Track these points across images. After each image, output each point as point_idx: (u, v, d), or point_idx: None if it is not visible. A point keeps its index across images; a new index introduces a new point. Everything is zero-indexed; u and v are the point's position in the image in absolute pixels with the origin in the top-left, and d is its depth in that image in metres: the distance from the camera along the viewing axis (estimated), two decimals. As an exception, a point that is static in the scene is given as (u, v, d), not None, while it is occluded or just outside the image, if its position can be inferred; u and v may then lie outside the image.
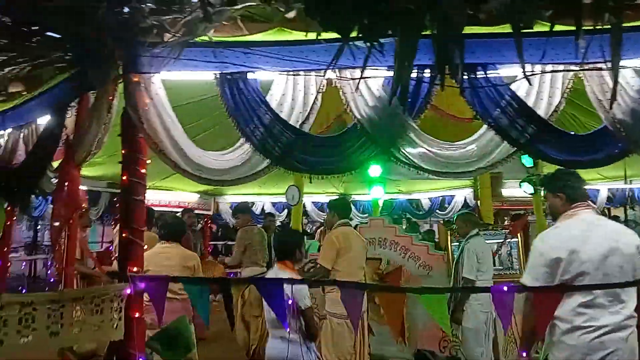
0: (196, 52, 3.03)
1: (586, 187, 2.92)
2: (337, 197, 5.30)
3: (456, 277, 5.12)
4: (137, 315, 3.01)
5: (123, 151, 3.13)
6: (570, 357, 2.65)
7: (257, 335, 5.86)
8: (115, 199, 7.85)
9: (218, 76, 3.11)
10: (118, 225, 3.54)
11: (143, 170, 3.11)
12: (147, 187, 2.96)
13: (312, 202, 12.88)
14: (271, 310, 3.30)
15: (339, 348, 4.36)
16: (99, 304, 2.85)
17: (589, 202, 2.90)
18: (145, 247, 5.00)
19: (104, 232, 15.18)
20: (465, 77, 2.91)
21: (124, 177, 3.08)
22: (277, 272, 3.58)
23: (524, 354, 2.82)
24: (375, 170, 7.70)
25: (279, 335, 3.45)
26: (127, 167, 3.11)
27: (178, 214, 8.19)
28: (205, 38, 2.93)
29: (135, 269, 3.04)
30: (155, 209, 8.86)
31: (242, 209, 6.93)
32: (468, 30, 2.74)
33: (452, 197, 12.35)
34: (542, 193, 3.10)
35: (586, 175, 3.22)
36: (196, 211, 10.46)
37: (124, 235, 3.07)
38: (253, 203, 12.15)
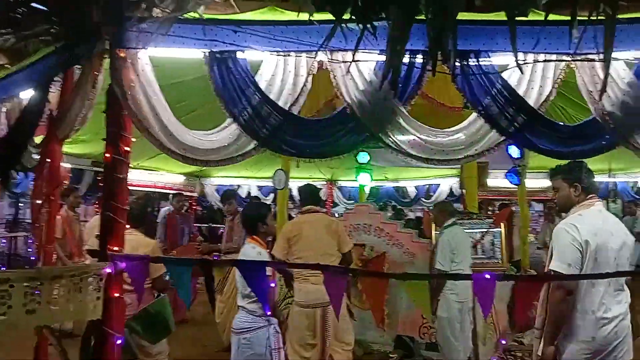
0: (185, 29, 2.96)
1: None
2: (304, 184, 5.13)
3: (431, 269, 5.15)
4: (116, 295, 2.98)
5: (107, 128, 3.07)
6: (589, 348, 2.72)
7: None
8: (99, 178, 7.74)
9: (207, 54, 3.04)
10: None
11: (127, 148, 3.05)
12: (132, 167, 2.91)
13: (299, 187, 12.83)
14: (245, 285, 3.33)
15: (297, 335, 4.37)
16: (77, 283, 2.81)
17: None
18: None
19: (86, 211, 14.98)
20: (457, 64, 2.88)
21: (107, 155, 3.03)
22: (246, 247, 3.58)
23: (503, 342, 2.84)
24: (362, 157, 7.69)
25: (242, 305, 3.50)
26: (111, 144, 3.05)
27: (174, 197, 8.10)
28: (196, 15, 2.87)
29: (116, 248, 3.00)
30: (140, 189, 8.78)
31: (232, 195, 6.92)
32: (462, 16, 2.71)
33: (438, 185, 12.42)
34: (550, 182, 3.08)
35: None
36: (182, 192, 10.38)
37: (105, 213, 3.02)
38: (239, 186, 12.09)
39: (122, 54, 3.01)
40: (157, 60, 3.17)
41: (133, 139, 3.13)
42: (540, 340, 2.90)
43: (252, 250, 3.48)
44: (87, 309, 2.88)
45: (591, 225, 2.78)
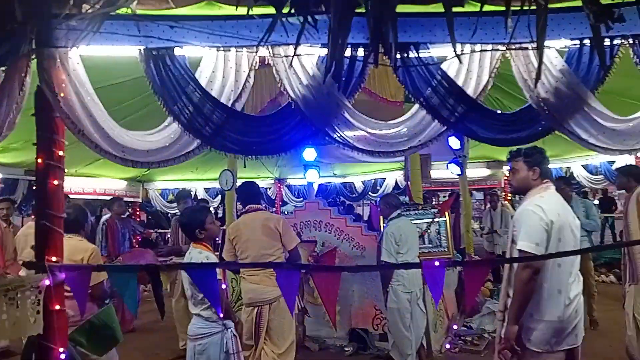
0: (118, 26, 2.84)
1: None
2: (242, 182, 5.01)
3: (378, 261, 5.23)
4: (57, 307, 2.82)
5: (38, 132, 2.89)
6: (555, 328, 2.78)
7: None
8: (35, 187, 7.36)
9: (142, 51, 2.93)
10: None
11: (60, 153, 2.89)
12: (70, 174, 2.73)
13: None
14: (194, 290, 3.28)
15: (245, 334, 4.34)
16: (13, 298, 2.64)
17: None
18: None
19: (22, 222, 14.25)
20: (398, 56, 2.91)
21: (39, 160, 2.85)
22: (192, 252, 3.46)
23: (455, 327, 2.89)
24: (309, 154, 7.68)
25: (196, 312, 3.41)
26: (42, 149, 2.87)
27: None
28: (129, 10, 2.75)
29: (54, 259, 2.83)
30: (80, 197, 8.41)
31: (180, 196, 6.71)
32: (401, 8, 2.74)
33: (384, 179, 12.66)
34: (510, 163, 3.09)
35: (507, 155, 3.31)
36: (124, 199, 10.02)
37: (40, 222, 2.85)
38: (184, 189, 11.82)
39: (50, 54, 2.85)
40: (96, 60, 3.02)
41: (66, 143, 2.97)
42: (503, 323, 2.91)
43: (199, 255, 3.38)
44: (26, 324, 2.72)
45: (554, 206, 2.89)
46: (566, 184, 6.28)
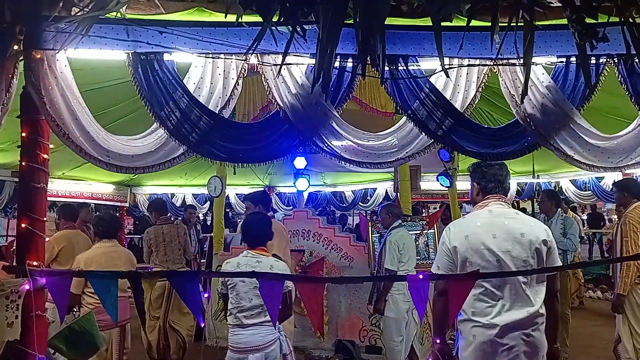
0: (107, 29, 2.83)
1: (507, 181, 2.77)
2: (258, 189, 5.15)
3: (380, 269, 5.19)
4: (37, 312, 2.78)
5: (23, 134, 2.87)
6: (476, 356, 2.55)
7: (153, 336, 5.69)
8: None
9: (130, 56, 2.92)
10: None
11: (45, 156, 2.87)
12: (56, 177, 2.71)
13: (236, 194, 12.68)
14: (251, 300, 3.20)
15: None
16: (-9, 302, 2.60)
17: (503, 195, 2.74)
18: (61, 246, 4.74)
19: (8, 224, 14.09)
20: (386, 68, 2.92)
21: (23, 163, 2.83)
22: (261, 259, 3.33)
23: (438, 341, 2.83)
24: (300, 162, 7.68)
25: (259, 321, 3.28)
26: (26, 151, 2.85)
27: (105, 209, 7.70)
28: (118, 14, 2.74)
29: (35, 263, 2.80)
30: (66, 200, 8.32)
31: (151, 207, 6.54)
32: (390, 21, 2.77)
33: (374, 189, 12.67)
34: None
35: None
36: (110, 203, 9.95)
37: (22, 225, 2.81)
38: (173, 195, 11.76)
39: (38, 55, 2.84)
40: (83, 63, 3.01)
41: (52, 146, 2.94)
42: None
43: (277, 263, 3.35)
44: (4, 329, 2.68)
45: (465, 229, 2.64)
46: (549, 197, 6.12)
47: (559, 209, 6.11)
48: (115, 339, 4.10)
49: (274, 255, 4.49)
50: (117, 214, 9.80)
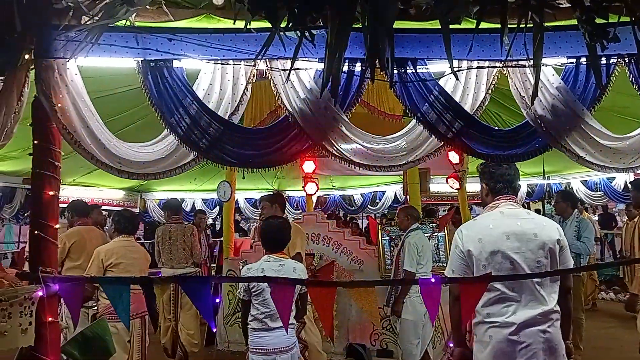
0: (116, 37, 2.85)
1: (516, 181, 2.74)
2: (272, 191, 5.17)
3: (397, 270, 5.17)
4: (50, 319, 2.80)
5: (34, 142, 2.90)
6: (494, 356, 2.53)
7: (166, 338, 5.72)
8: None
9: (140, 63, 2.94)
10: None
11: (56, 163, 2.89)
12: (67, 184, 2.75)
13: (245, 199, 12.72)
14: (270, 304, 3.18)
15: None
16: (6, 308, 2.61)
17: (513, 195, 2.72)
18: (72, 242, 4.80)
19: (20, 231, 14.22)
20: (395, 71, 2.92)
21: (35, 170, 2.86)
22: (285, 262, 3.38)
23: (450, 345, 2.81)
24: (308, 166, 7.68)
25: (277, 326, 3.27)
26: (38, 159, 2.87)
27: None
28: (127, 22, 2.76)
29: (48, 270, 2.82)
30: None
31: (165, 206, 6.63)
32: (399, 24, 2.77)
33: (383, 192, 12.65)
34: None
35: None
36: (121, 209, 10.00)
37: (34, 232, 2.84)
38: (183, 199, 11.82)
39: (48, 64, 2.86)
40: (94, 71, 3.04)
41: (63, 154, 2.97)
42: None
43: (296, 265, 3.40)
44: (18, 335, 2.69)
45: (478, 231, 2.62)
46: (564, 198, 5.97)
47: (575, 211, 5.90)
48: (136, 330, 4.19)
49: (298, 254, 4.52)
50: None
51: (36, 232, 2.84)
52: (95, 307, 4.20)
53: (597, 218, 14.70)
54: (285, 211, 13.12)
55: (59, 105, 2.85)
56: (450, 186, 7.52)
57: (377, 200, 13.18)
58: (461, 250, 2.62)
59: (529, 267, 2.52)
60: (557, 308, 2.57)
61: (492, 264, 2.54)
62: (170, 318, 5.68)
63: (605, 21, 2.17)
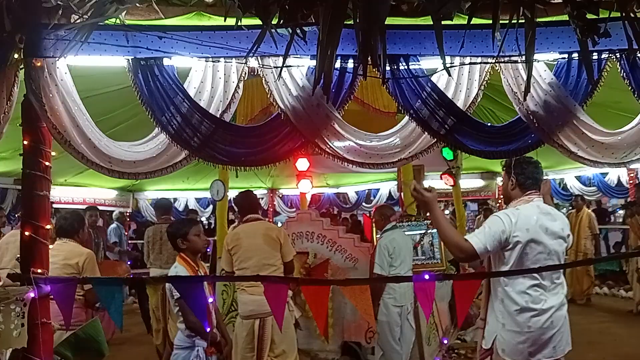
0: (106, 36, 2.82)
1: (542, 178, 2.99)
2: (239, 192, 4.91)
3: (371, 273, 5.18)
4: (43, 320, 2.78)
5: (24, 142, 2.87)
6: (525, 340, 2.74)
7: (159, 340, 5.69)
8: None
9: (130, 61, 2.91)
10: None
11: (47, 163, 2.86)
12: (59, 184, 2.71)
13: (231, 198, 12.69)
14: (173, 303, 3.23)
15: (239, 347, 4.26)
16: (-2, 310, 2.59)
17: (539, 192, 2.94)
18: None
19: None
20: (387, 68, 2.91)
21: (26, 171, 2.83)
22: (176, 266, 3.44)
23: (445, 341, 2.85)
24: (302, 164, 7.66)
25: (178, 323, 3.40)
26: (28, 159, 2.85)
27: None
28: (117, 21, 2.74)
29: (39, 271, 2.79)
30: (68, 207, 8.35)
31: (157, 206, 6.55)
32: (391, 21, 2.75)
33: (378, 190, 12.64)
34: (500, 177, 3.12)
35: (500, 167, 3.31)
36: (113, 208, 9.98)
37: (26, 233, 2.81)
38: (176, 199, 11.77)
39: (38, 63, 2.84)
40: (84, 69, 3.01)
41: (54, 154, 2.94)
42: (483, 330, 2.95)
43: (172, 270, 3.38)
44: (10, 337, 2.67)
45: (525, 220, 2.79)
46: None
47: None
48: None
49: (290, 262, 4.46)
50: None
51: (27, 233, 2.82)
52: None
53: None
54: (278, 210, 13.03)
55: (49, 104, 2.83)
56: (444, 183, 7.54)
57: (372, 198, 13.18)
58: (507, 236, 2.76)
59: (558, 258, 2.84)
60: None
61: (532, 253, 2.77)
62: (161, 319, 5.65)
63: (596, 17, 2.17)
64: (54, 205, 8.11)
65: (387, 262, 4.78)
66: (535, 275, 2.75)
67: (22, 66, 2.92)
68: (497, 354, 2.80)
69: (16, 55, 2.89)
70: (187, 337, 3.34)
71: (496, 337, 2.82)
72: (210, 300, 3.25)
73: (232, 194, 11.07)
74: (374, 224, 5.73)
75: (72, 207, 8.19)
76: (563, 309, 2.84)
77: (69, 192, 8.70)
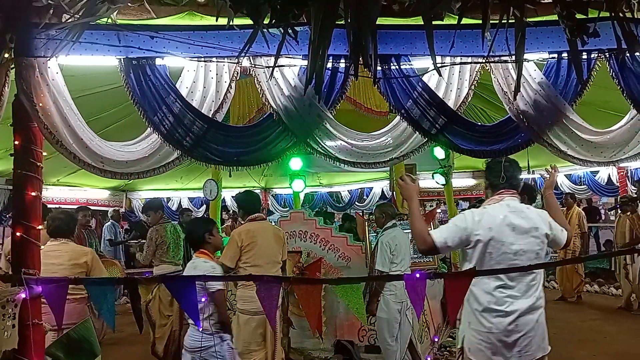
0: (98, 35, 2.82)
1: (516, 176, 2.88)
2: (242, 191, 4.98)
3: (371, 270, 5.19)
4: (34, 321, 2.76)
5: (15, 142, 2.85)
6: (487, 342, 2.66)
7: (163, 333, 5.65)
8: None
9: (122, 61, 2.91)
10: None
11: (38, 163, 2.85)
12: (51, 184, 2.70)
13: (232, 197, 12.66)
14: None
15: (242, 343, 4.27)
16: (-11, 311, 2.58)
17: (515, 190, 2.85)
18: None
19: (4, 232, 14.02)
20: (379, 68, 2.93)
21: (17, 171, 2.81)
22: (194, 261, 3.46)
23: (436, 339, 2.85)
24: (296, 163, 7.67)
25: (192, 323, 3.38)
26: (20, 159, 2.83)
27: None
28: (109, 20, 2.73)
29: (31, 271, 2.78)
30: (61, 207, 8.30)
31: (152, 206, 6.49)
32: (382, 21, 2.77)
33: (371, 189, 12.68)
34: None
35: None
36: (106, 208, 9.94)
37: (17, 234, 2.80)
38: (169, 199, 11.74)
39: (29, 63, 2.82)
40: (76, 69, 3.00)
41: (46, 153, 2.93)
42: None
43: (204, 264, 3.37)
44: (1, 338, 2.65)
45: (489, 219, 2.72)
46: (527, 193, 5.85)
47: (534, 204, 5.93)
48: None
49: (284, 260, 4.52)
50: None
51: (19, 233, 2.80)
52: None
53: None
54: (272, 209, 13.06)
55: (40, 104, 2.81)
56: (436, 182, 7.57)
57: (365, 197, 13.21)
58: (469, 234, 2.71)
59: (529, 258, 2.69)
60: (543, 294, 2.76)
61: (497, 252, 2.68)
62: (170, 315, 5.60)
63: (585, 16, 2.19)
64: (48, 206, 8.08)
65: (388, 259, 4.82)
66: (501, 276, 2.65)
67: (12, 66, 2.91)
68: (465, 353, 2.77)
69: (7, 55, 2.87)
70: (210, 335, 3.34)
71: (464, 336, 2.79)
72: (203, 299, 3.25)
73: (225, 193, 11.09)
74: (374, 222, 5.72)
75: (65, 208, 8.14)
76: (535, 313, 2.68)
77: (61, 192, 8.66)
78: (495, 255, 2.68)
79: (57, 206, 8.19)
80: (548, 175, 3.06)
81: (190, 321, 3.40)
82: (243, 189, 8.21)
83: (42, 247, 3.57)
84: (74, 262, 3.92)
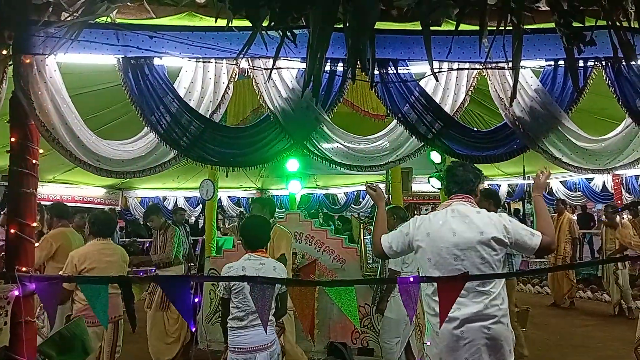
0: (97, 34, 2.83)
1: (469, 182, 2.79)
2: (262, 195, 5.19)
3: (383, 269, 5.19)
4: (27, 318, 2.76)
5: (12, 139, 2.85)
6: (435, 348, 2.66)
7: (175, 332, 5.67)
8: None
9: (120, 60, 2.91)
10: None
11: (34, 161, 2.85)
12: (47, 181, 2.69)
13: (228, 197, 12.66)
14: (249, 302, 3.13)
15: None
16: (-21, 308, 2.57)
17: (468, 196, 2.78)
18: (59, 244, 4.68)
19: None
20: (376, 72, 2.94)
21: (13, 168, 2.81)
22: (263, 260, 3.31)
23: (428, 344, 2.85)
24: (292, 164, 7.67)
25: (256, 323, 3.25)
26: (16, 156, 2.83)
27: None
28: (108, 19, 2.74)
29: (24, 269, 2.78)
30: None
31: (153, 210, 6.51)
32: (380, 25, 2.78)
33: (367, 191, 12.65)
34: (486, 180, 3.07)
35: (487, 171, 3.35)
36: (102, 206, 9.91)
37: (11, 231, 2.79)
38: (165, 198, 11.72)
39: (27, 60, 2.82)
40: (74, 67, 3.00)
41: (42, 151, 2.93)
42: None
43: (280, 264, 3.39)
44: (-7, 335, 2.65)
45: (428, 225, 2.72)
46: (485, 197, 5.57)
47: (499, 210, 5.80)
48: (107, 335, 4.11)
49: (282, 256, 4.55)
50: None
51: (13, 230, 2.80)
52: (70, 312, 4.09)
53: (576, 218, 14.96)
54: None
55: (37, 102, 2.82)
56: (432, 186, 7.58)
57: (361, 200, 13.23)
58: (410, 239, 2.76)
59: (473, 263, 2.61)
60: (504, 305, 2.66)
61: (437, 258, 2.66)
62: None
63: (582, 25, 2.21)
64: (43, 203, 8.06)
65: (400, 259, 4.83)
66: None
67: (10, 63, 2.91)
68: (426, 353, 2.82)
69: (4, 52, 2.87)
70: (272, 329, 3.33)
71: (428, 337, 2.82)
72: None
73: (222, 193, 11.07)
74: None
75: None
76: (485, 321, 2.57)
77: (58, 190, 8.62)
78: (433, 260, 2.66)
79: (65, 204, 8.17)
80: (541, 177, 3.01)
81: (255, 322, 3.26)
82: (238, 190, 8.18)
83: (86, 244, 4.08)
84: (124, 260, 4.21)
